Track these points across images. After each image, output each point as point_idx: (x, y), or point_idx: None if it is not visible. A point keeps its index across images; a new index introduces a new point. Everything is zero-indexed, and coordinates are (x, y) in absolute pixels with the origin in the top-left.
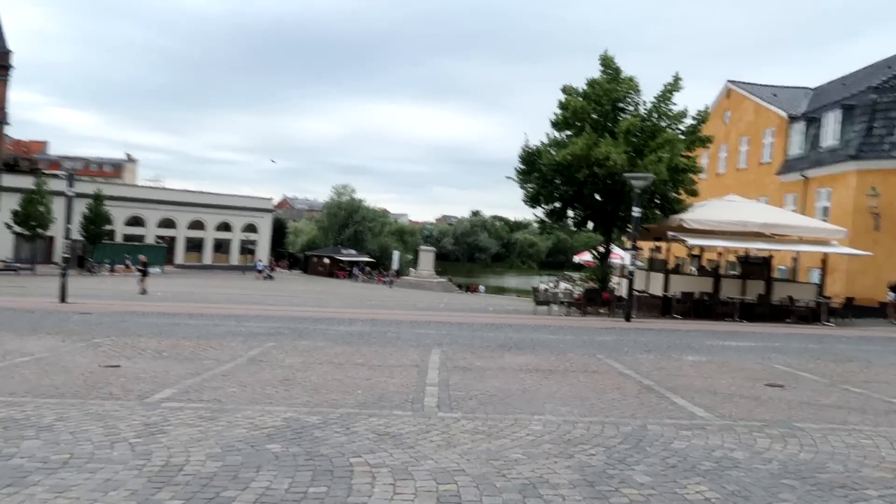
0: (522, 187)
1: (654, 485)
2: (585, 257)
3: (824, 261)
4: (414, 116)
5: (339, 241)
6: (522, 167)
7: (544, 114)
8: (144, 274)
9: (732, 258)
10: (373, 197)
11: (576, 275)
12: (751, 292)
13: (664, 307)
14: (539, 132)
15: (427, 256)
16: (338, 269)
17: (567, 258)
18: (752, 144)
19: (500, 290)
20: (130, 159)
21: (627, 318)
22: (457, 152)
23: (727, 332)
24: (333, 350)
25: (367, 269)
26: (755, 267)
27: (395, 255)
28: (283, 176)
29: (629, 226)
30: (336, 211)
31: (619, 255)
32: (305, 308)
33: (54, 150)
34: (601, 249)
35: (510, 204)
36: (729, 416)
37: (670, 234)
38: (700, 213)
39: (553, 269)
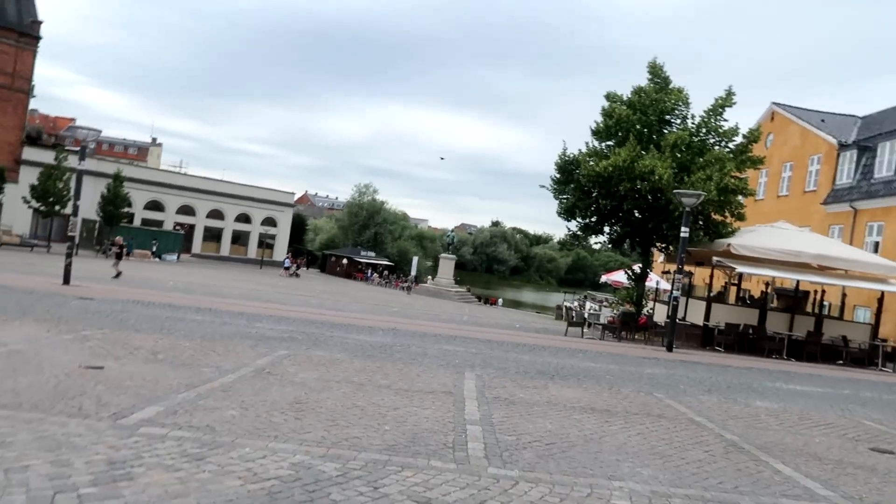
0: (557, 198)
1: None
2: (614, 277)
3: (880, 299)
4: (442, 123)
5: (358, 242)
6: (558, 176)
7: (571, 130)
8: (119, 256)
9: (767, 289)
10: (394, 200)
11: (600, 295)
12: (798, 328)
13: (705, 338)
14: (570, 147)
15: (447, 264)
16: (356, 271)
17: (586, 276)
18: (797, 170)
19: (517, 304)
20: (155, 143)
21: (669, 349)
22: (482, 162)
23: (781, 371)
24: (353, 365)
25: (385, 272)
26: (793, 300)
27: (415, 260)
28: (307, 173)
29: (669, 247)
30: (357, 210)
31: (653, 279)
32: (322, 311)
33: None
34: (636, 270)
35: (532, 217)
36: (859, 499)
37: (716, 259)
38: (748, 238)
39: (571, 287)
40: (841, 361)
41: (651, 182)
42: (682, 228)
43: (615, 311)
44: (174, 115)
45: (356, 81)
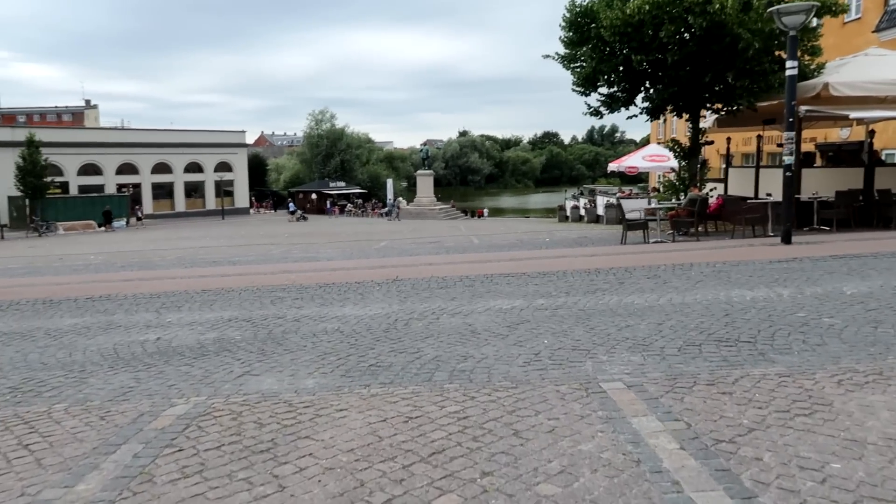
0: (568, 67)
1: None
2: (627, 163)
3: None
4: (391, 42)
5: (325, 174)
6: (570, 35)
7: (529, 29)
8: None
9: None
10: (355, 128)
11: (602, 187)
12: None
13: (799, 216)
14: (525, 50)
15: (426, 181)
16: (333, 206)
17: (562, 173)
18: None
19: (500, 212)
20: (90, 105)
21: (787, 240)
22: (438, 75)
23: None
24: (343, 427)
25: (359, 201)
26: (847, 155)
27: (389, 183)
28: (262, 115)
29: (736, 105)
30: (317, 140)
31: (663, 156)
32: (286, 266)
33: (17, 104)
34: (682, 144)
35: (495, 124)
36: None
37: (806, 109)
38: (845, 74)
39: (549, 186)
40: None
41: (709, 16)
42: (788, 63)
43: (677, 201)
44: (117, 77)
45: (296, 13)
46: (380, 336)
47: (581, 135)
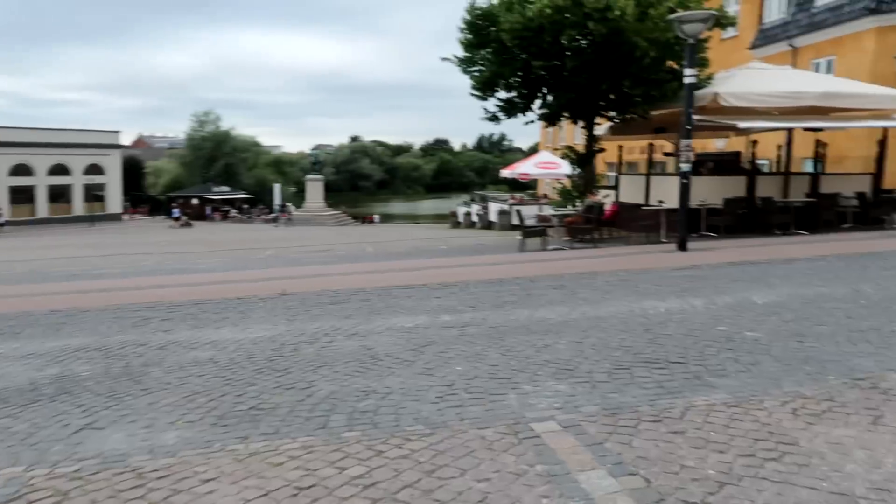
0: (466, 71)
1: None
2: (521, 169)
3: (882, 141)
4: (281, 44)
5: (208, 178)
6: (469, 37)
7: (423, 36)
8: None
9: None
10: (242, 131)
11: (493, 193)
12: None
13: (687, 222)
14: (418, 57)
15: (316, 187)
16: (214, 211)
17: (453, 179)
18: None
19: (390, 218)
20: None
21: (682, 246)
22: (328, 79)
23: (859, 254)
24: (215, 497)
25: (246, 206)
26: (728, 164)
27: (276, 188)
28: (141, 116)
29: (630, 113)
30: (200, 143)
31: (555, 163)
32: (158, 279)
33: None
34: (576, 150)
35: (388, 130)
36: None
37: (697, 118)
38: (733, 85)
39: (439, 192)
40: (848, 225)
41: (608, 23)
42: (687, 71)
43: (573, 208)
44: None
45: (181, 9)
46: (262, 367)
47: (471, 142)
